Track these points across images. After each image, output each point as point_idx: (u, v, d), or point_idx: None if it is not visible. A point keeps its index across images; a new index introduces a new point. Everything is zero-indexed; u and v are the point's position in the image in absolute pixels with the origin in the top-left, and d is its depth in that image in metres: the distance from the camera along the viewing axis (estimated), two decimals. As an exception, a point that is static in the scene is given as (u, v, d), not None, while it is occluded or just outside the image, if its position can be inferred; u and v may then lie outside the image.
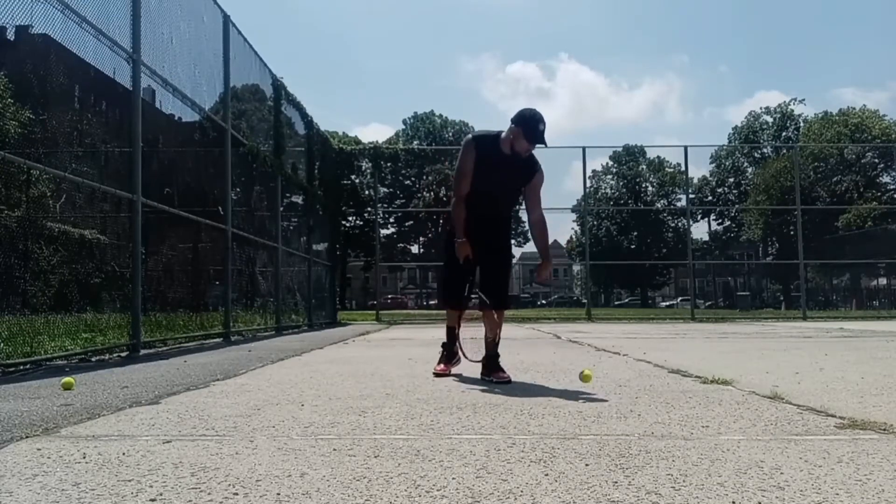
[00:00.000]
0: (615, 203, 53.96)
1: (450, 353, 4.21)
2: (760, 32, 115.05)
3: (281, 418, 2.55)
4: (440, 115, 56.79)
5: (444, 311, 4.25)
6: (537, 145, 3.75)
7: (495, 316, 3.90)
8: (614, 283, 55.73)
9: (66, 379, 3.54)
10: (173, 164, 7.74)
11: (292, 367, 4.83)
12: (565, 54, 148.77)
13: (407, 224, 53.18)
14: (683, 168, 21.62)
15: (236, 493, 1.54)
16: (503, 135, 3.80)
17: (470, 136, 3.92)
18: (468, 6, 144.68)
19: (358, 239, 39.91)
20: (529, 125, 3.66)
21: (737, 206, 50.30)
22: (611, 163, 56.68)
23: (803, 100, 70.87)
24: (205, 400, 3.08)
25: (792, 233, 31.18)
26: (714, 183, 54.29)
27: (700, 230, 57.80)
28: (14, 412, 2.72)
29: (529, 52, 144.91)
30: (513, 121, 3.74)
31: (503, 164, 3.78)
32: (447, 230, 4.13)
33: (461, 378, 3.96)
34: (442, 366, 4.18)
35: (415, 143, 53.33)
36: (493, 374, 3.79)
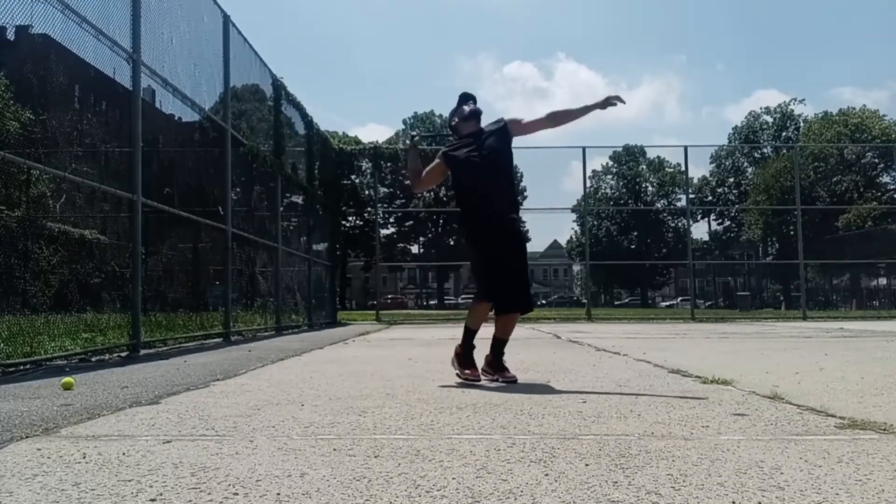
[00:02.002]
0: (615, 203, 53.94)
1: (470, 359, 3.86)
2: (757, 31, 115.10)
3: (281, 418, 2.55)
4: (440, 116, 56.72)
5: (469, 312, 3.95)
6: (473, 104, 4.02)
7: (515, 318, 3.89)
8: (614, 283, 55.73)
9: (66, 379, 3.55)
10: (173, 164, 7.74)
11: (292, 367, 4.83)
12: (562, 53, 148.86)
13: (407, 224, 53.16)
14: (683, 168, 21.63)
15: (236, 493, 1.54)
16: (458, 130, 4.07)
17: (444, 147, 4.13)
18: (464, 6, 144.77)
19: (358, 239, 39.94)
20: (456, 108, 4.06)
21: (737, 206, 50.28)
22: (611, 163, 56.69)
23: (803, 100, 70.94)
24: (205, 400, 3.09)
25: (792, 233, 31.20)
26: (714, 183, 54.27)
27: (700, 230, 57.83)
28: (14, 412, 2.72)
29: (526, 52, 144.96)
30: (452, 118, 4.11)
31: (475, 140, 3.91)
32: (465, 232, 3.96)
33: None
34: (468, 371, 3.82)
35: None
36: (498, 374, 3.76)
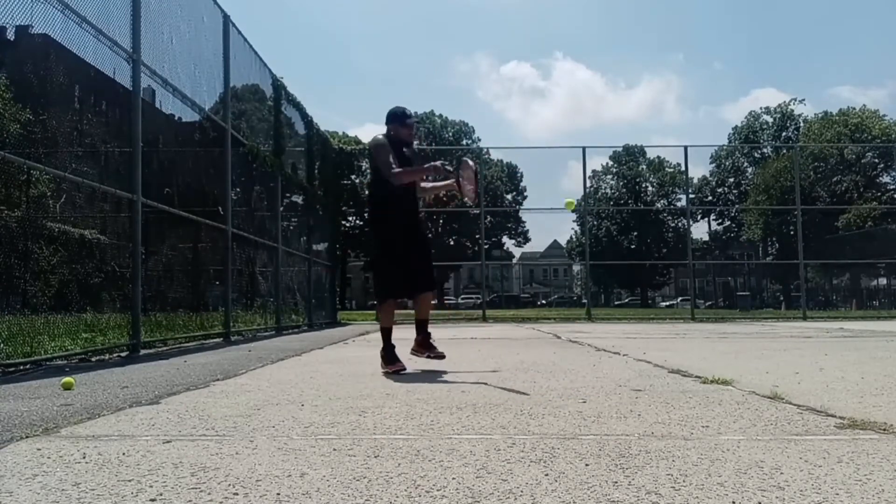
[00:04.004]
0: (615, 203, 53.91)
1: (392, 356, 4.29)
2: (755, 29, 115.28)
3: (281, 418, 2.55)
4: (440, 115, 56.69)
5: (380, 313, 4.56)
6: (413, 126, 4.50)
7: (428, 298, 4.49)
8: (614, 283, 55.70)
9: (66, 379, 3.54)
10: (173, 164, 7.73)
11: (292, 367, 4.83)
12: (560, 53, 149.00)
13: (407, 224, 53.04)
14: (683, 168, 21.64)
15: (236, 493, 1.54)
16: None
17: (379, 136, 4.44)
18: (461, 6, 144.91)
19: (358, 239, 39.87)
20: (398, 116, 4.43)
21: (737, 206, 50.30)
22: (610, 163, 56.65)
23: (803, 100, 71.03)
24: (205, 400, 3.09)
25: (792, 233, 31.23)
26: (714, 183, 54.27)
27: (700, 230, 57.87)
28: (14, 412, 2.72)
29: (524, 52, 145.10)
30: (388, 122, 4.45)
31: (403, 157, 4.41)
32: (374, 219, 4.44)
33: (460, 378, 3.96)
34: (391, 366, 4.24)
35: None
36: (428, 352, 4.29)
